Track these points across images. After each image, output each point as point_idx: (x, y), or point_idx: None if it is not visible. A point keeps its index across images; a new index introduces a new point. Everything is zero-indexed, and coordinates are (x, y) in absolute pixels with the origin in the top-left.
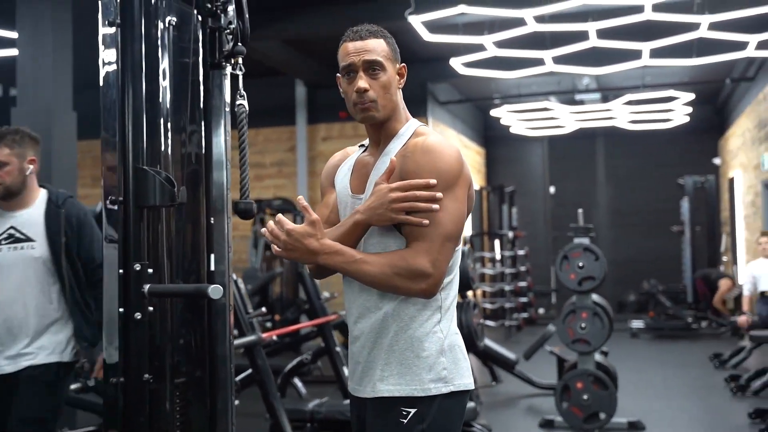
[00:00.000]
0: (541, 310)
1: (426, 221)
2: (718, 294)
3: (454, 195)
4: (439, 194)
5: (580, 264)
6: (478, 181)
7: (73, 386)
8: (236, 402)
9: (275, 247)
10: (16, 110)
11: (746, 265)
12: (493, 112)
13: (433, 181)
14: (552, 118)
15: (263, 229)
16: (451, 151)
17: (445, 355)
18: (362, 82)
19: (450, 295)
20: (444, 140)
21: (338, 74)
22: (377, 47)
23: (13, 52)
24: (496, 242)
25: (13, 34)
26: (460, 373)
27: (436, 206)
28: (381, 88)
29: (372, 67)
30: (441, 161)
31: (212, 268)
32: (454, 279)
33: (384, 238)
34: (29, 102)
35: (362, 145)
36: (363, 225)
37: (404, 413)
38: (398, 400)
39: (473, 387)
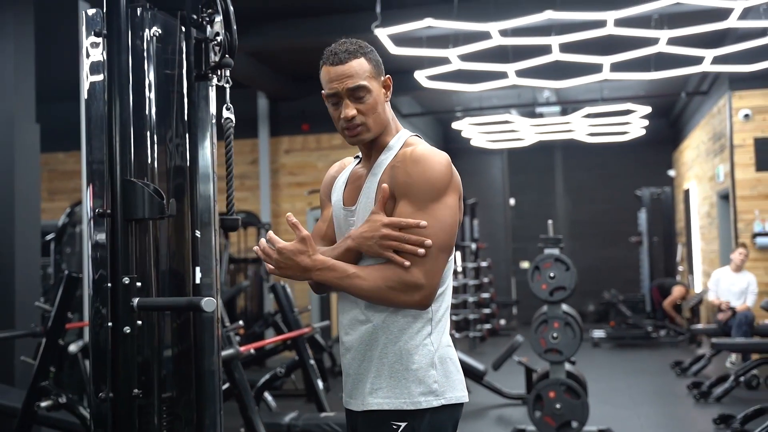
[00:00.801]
0: (502, 321)
1: (407, 263)
2: (669, 298)
3: (445, 204)
4: (428, 241)
5: (552, 274)
6: None
7: (44, 404)
8: None
9: (268, 265)
10: None
11: (713, 272)
12: (455, 125)
13: (424, 223)
14: (512, 131)
15: (255, 248)
16: (441, 159)
17: (435, 368)
18: (349, 110)
19: (441, 307)
20: (433, 149)
21: (323, 91)
22: (359, 70)
23: None
24: (458, 254)
25: None
26: (452, 386)
27: (421, 251)
28: (369, 111)
29: (356, 94)
30: (431, 170)
31: (197, 281)
32: (446, 291)
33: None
34: None
35: (357, 157)
36: (354, 251)
37: (395, 427)
38: (388, 413)
39: (467, 400)
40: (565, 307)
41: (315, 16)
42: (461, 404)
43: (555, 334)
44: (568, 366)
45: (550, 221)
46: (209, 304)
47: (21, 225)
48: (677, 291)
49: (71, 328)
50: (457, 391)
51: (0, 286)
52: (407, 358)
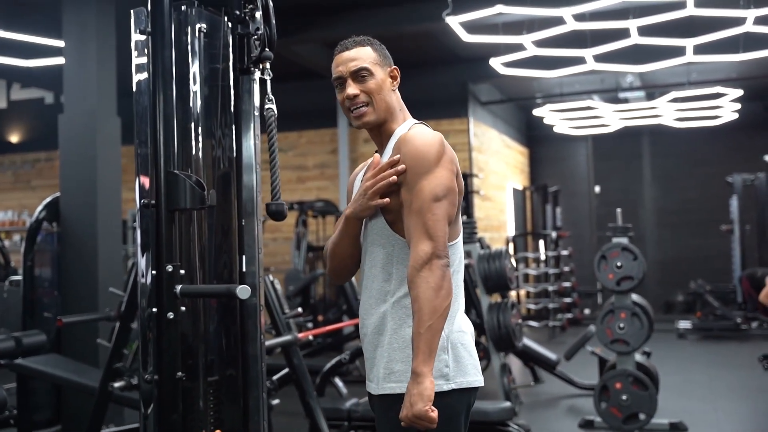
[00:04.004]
0: (586, 311)
1: (387, 200)
2: (765, 291)
3: (435, 173)
4: (402, 166)
5: (619, 264)
6: (521, 181)
7: (117, 384)
8: (276, 401)
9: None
10: (63, 116)
11: None
12: (536, 112)
13: (397, 157)
14: (596, 117)
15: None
16: (430, 137)
17: (446, 353)
18: (351, 89)
19: None
20: (425, 130)
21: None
22: (362, 55)
23: (60, 60)
24: (541, 242)
25: (60, 43)
26: (463, 370)
27: (393, 178)
28: (371, 91)
29: (359, 74)
30: (420, 144)
31: (244, 269)
32: (452, 275)
33: (374, 247)
34: (75, 108)
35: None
36: (351, 219)
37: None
38: (400, 396)
39: (480, 384)
40: (634, 297)
41: (387, 6)
42: (474, 389)
43: (621, 325)
44: (638, 357)
45: (618, 210)
46: (243, 291)
47: (103, 215)
48: None
49: None
50: (469, 375)
51: (85, 272)
52: None
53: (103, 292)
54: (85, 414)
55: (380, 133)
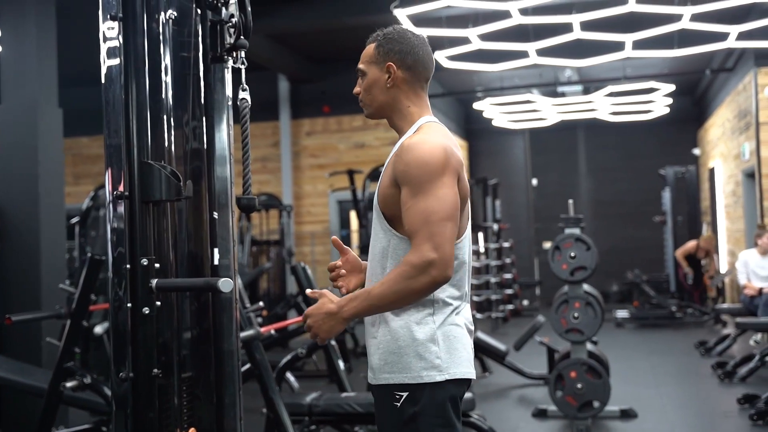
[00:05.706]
0: (525, 302)
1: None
2: (681, 249)
3: (441, 183)
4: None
5: (572, 254)
6: None
7: (69, 384)
8: None
9: (314, 335)
10: (1, 107)
11: (740, 254)
12: (476, 105)
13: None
14: (534, 111)
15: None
16: (433, 144)
17: (437, 344)
18: (356, 87)
19: (446, 289)
20: (429, 137)
21: None
22: (365, 54)
23: None
24: (480, 235)
25: None
26: (456, 362)
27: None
28: (364, 90)
29: (359, 73)
30: (424, 154)
31: (216, 262)
32: (460, 267)
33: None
34: (14, 98)
35: None
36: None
37: (397, 396)
38: (393, 387)
39: (473, 377)
40: (586, 286)
41: None
42: (467, 380)
43: (576, 314)
44: (589, 346)
45: (570, 201)
46: (226, 284)
47: (45, 208)
48: (690, 243)
49: (96, 310)
50: (462, 367)
51: (26, 268)
52: (408, 334)
53: (46, 288)
54: (27, 416)
55: (392, 127)
